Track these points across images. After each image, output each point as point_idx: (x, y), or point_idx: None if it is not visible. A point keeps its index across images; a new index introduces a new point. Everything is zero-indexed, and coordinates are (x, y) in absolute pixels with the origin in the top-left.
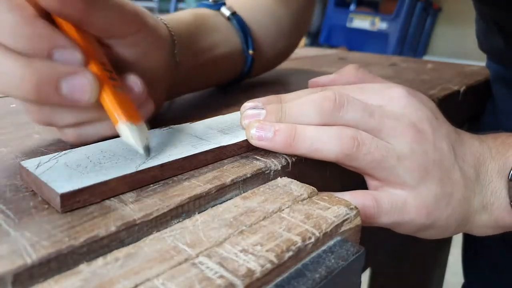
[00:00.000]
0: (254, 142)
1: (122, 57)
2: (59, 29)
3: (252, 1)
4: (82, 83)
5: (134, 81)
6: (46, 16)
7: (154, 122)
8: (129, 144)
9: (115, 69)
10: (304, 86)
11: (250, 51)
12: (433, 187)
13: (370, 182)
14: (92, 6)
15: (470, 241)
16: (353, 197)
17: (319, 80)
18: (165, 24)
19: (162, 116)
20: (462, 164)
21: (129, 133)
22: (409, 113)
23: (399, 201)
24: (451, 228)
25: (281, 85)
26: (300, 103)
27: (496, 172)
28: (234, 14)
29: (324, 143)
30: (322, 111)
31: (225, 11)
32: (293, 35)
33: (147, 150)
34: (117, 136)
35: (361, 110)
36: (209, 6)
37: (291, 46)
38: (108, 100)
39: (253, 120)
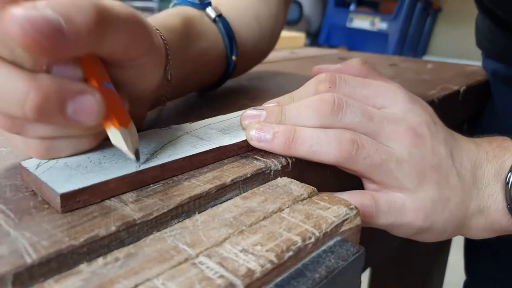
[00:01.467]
0: (254, 143)
1: (117, 77)
2: None
3: (236, 2)
4: (90, 105)
5: (123, 99)
6: None
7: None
8: (120, 148)
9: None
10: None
11: (234, 57)
12: (431, 191)
13: (368, 185)
14: (102, 37)
15: (472, 239)
16: (352, 196)
17: (324, 68)
18: (162, 38)
19: (153, 121)
20: (459, 168)
21: (121, 138)
22: (409, 117)
23: (397, 203)
24: (448, 232)
25: (280, 85)
26: (300, 105)
27: (492, 176)
28: (219, 16)
29: (323, 146)
30: (320, 114)
31: (211, 13)
32: (273, 35)
33: (137, 154)
34: (94, 147)
35: (360, 114)
36: (194, 5)
37: (271, 46)
38: None
39: (253, 122)
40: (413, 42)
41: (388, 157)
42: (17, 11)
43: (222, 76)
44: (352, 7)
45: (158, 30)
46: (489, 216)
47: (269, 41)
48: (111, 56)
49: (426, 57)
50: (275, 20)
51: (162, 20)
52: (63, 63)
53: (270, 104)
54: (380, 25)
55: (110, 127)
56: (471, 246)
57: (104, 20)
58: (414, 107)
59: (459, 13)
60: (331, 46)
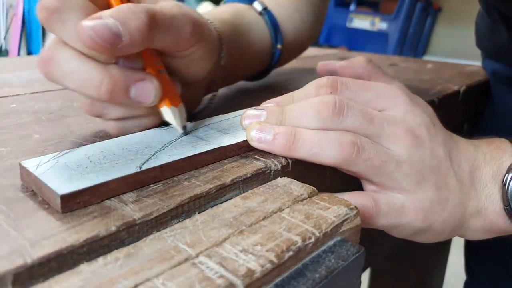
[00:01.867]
0: (254, 144)
1: (171, 65)
2: None
3: None
4: (148, 89)
5: (176, 84)
6: None
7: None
8: (171, 123)
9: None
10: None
11: (279, 46)
12: (430, 192)
13: (367, 186)
14: (153, 36)
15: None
16: (352, 197)
17: (329, 64)
18: (216, 29)
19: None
20: (457, 169)
21: (171, 115)
22: (408, 119)
23: (397, 204)
24: (446, 232)
25: (281, 85)
26: (300, 107)
27: (490, 177)
28: (265, 9)
29: (323, 148)
30: (321, 117)
31: (258, 6)
32: (314, 26)
33: (185, 129)
34: (155, 127)
35: (361, 116)
36: (242, 0)
37: (312, 38)
38: None
39: (254, 122)
40: (413, 42)
41: (388, 159)
42: (86, 23)
43: (268, 65)
44: (352, 7)
45: (212, 22)
46: (487, 217)
47: (310, 33)
48: (163, 49)
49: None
50: (315, 13)
51: (218, 14)
52: (127, 57)
53: (269, 104)
54: (380, 25)
55: (163, 106)
56: (471, 246)
57: (154, 22)
58: (414, 109)
59: (459, 13)
60: (331, 46)
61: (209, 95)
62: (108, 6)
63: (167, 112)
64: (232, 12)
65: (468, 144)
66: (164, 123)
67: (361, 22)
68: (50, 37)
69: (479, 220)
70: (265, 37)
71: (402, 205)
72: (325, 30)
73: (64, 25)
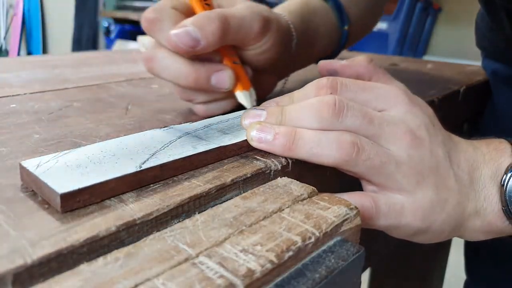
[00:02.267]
0: (254, 144)
1: (244, 55)
2: None
3: None
4: (224, 77)
5: (248, 71)
6: None
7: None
8: (243, 104)
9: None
10: (304, 85)
11: (346, 27)
12: (429, 192)
13: (367, 187)
14: (226, 36)
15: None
16: (352, 197)
17: (330, 63)
18: (288, 22)
19: (150, 117)
20: (457, 170)
21: (243, 97)
22: (408, 119)
23: (396, 204)
24: (445, 233)
25: (281, 85)
26: (300, 107)
27: (489, 178)
28: None
29: (323, 148)
30: (321, 117)
31: None
32: (375, 11)
33: (254, 106)
34: (233, 111)
35: (361, 116)
36: None
37: (375, 20)
38: None
39: (254, 122)
40: (413, 42)
41: (388, 160)
42: (173, 32)
43: (337, 46)
44: None
45: (282, 15)
46: (485, 218)
47: (372, 17)
48: (237, 44)
49: (426, 57)
50: None
51: (287, 6)
52: (208, 53)
53: (269, 105)
54: (380, 25)
55: (237, 90)
56: (471, 246)
57: (226, 25)
58: (414, 109)
59: (459, 13)
60: None
61: (283, 80)
62: (193, 13)
63: (240, 96)
64: (299, 2)
65: (467, 144)
66: (239, 106)
67: None
68: (141, 40)
69: (478, 221)
70: (332, 21)
71: (401, 205)
72: None
73: (160, 31)
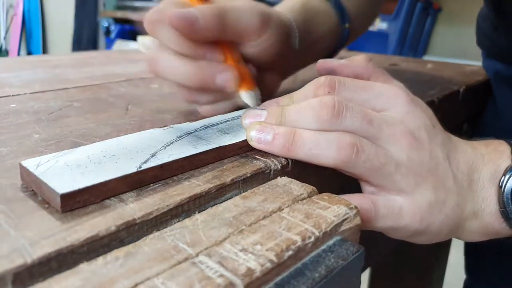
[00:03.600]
0: (254, 144)
1: (247, 54)
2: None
3: None
4: (229, 77)
5: (251, 69)
6: None
7: (145, 124)
8: (247, 103)
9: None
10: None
11: (347, 25)
12: (428, 194)
13: (366, 187)
14: (224, 28)
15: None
16: (350, 199)
17: (328, 62)
18: (290, 19)
19: (150, 117)
20: (456, 171)
21: (248, 97)
22: (408, 120)
23: (395, 206)
24: (443, 234)
25: (282, 85)
26: (300, 108)
27: (487, 179)
28: None
29: (322, 149)
30: (320, 118)
31: None
32: (374, 5)
33: (258, 105)
34: (236, 110)
35: (360, 117)
36: None
37: (373, 17)
38: None
39: (254, 122)
40: (413, 42)
41: (387, 161)
42: (173, 12)
43: (338, 44)
44: None
45: (283, 13)
46: (483, 220)
47: (371, 11)
48: (238, 39)
49: (426, 57)
50: None
51: (288, 5)
52: (211, 53)
53: (269, 104)
54: (380, 25)
55: (242, 90)
56: (471, 246)
57: (224, 11)
58: (414, 110)
59: (459, 13)
60: None
61: (291, 77)
62: None
63: (245, 95)
64: (300, 2)
65: (467, 145)
66: (244, 105)
67: None
68: (141, 40)
69: (475, 222)
70: (333, 20)
71: (400, 207)
72: None
73: (162, 31)
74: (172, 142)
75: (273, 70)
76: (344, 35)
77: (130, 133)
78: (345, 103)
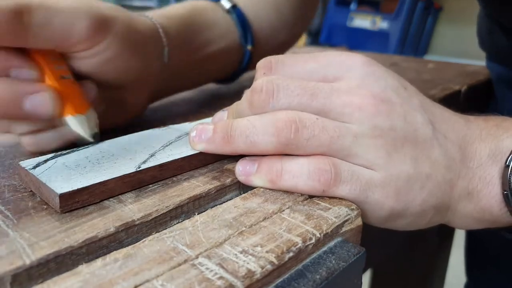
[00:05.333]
0: (197, 146)
1: (82, 67)
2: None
3: None
4: (43, 100)
5: (90, 87)
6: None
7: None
8: (78, 133)
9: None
10: None
11: (249, 47)
12: (405, 166)
13: None
14: (28, 32)
15: (473, 239)
16: (309, 160)
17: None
18: (154, 23)
19: (150, 117)
20: (443, 141)
21: (77, 123)
22: (368, 83)
23: (363, 175)
24: (428, 216)
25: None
26: (238, 102)
27: (486, 156)
28: (234, 7)
29: (259, 134)
30: (252, 105)
31: (225, 3)
32: (296, 25)
33: (97, 136)
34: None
35: (298, 94)
36: None
37: (294, 37)
38: None
39: (194, 126)
40: (414, 41)
41: (341, 133)
42: None
43: (237, 67)
44: (352, 6)
45: (149, 16)
46: (479, 202)
47: (291, 34)
48: (57, 48)
49: (427, 57)
50: (297, 12)
51: (167, 10)
52: (18, 67)
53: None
54: (381, 24)
55: (68, 115)
56: (472, 248)
57: (27, 9)
58: (374, 70)
59: (460, 13)
60: (332, 45)
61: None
62: None
63: (72, 121)
64: (189, 8)
65: (457, 115)
66: (77, 136)
67: (362, 21)
68: None
69: (469, 205)
70: (232, 37)
71: (369, 178)
72: (325, 30)
73: None
74: (171, 142)
75: (133, 89)
76: (245, 57)
77: (129, 133)
78: (276, 82)
